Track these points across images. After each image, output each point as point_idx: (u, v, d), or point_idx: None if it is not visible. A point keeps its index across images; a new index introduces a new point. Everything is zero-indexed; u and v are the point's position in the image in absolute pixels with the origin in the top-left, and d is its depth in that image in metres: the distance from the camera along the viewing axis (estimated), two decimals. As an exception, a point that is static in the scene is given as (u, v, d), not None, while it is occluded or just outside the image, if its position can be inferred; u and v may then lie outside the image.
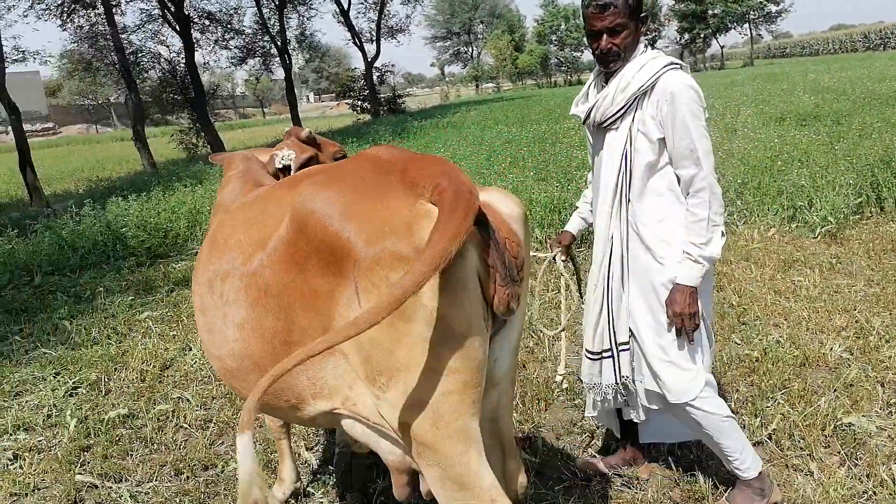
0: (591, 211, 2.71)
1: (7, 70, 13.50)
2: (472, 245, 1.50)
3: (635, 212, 2.41)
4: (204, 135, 19.56)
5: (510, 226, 1.67)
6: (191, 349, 4.66)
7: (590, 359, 2.61)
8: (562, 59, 67.10)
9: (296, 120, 24.40)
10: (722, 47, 60.63)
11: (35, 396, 4.14)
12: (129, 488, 3.06)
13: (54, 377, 4.40)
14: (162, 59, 20.58)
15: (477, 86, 68.98)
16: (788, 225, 6.25)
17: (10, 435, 3.68)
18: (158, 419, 3.73)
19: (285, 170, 2.72)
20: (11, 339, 5.18)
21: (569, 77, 65.08)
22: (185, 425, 3.63)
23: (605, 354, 2.54)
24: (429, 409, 1.52)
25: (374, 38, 31.51)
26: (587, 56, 70.83)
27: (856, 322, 4.11)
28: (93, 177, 18.34)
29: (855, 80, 16.97)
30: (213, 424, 3.63)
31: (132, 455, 3.38)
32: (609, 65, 2.36)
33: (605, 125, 2.43)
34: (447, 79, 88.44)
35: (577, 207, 2.88)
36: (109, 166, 21.97)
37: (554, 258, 2.79)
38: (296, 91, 26.79)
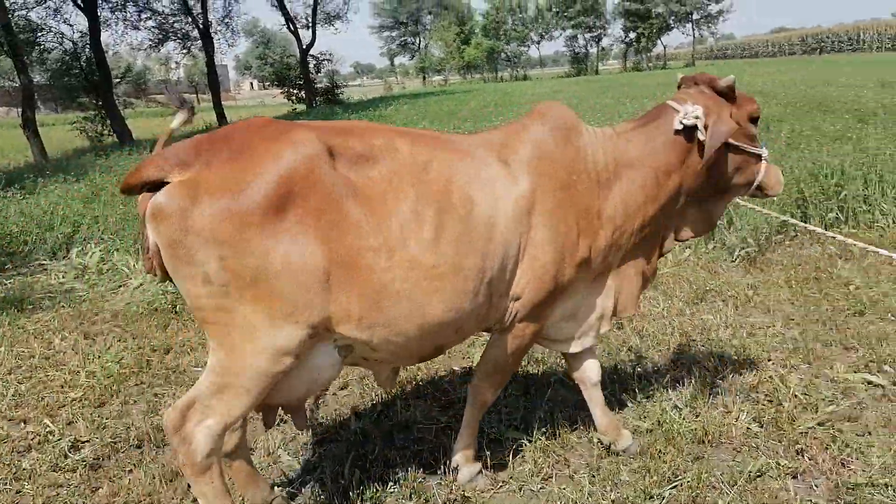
0: None
1: None
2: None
3: None
4: (110, 122, 17.98)
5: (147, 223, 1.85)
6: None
7: None
8: (508, 53, 66.58)
9: (218, 108, 22.95)
10: (665, 47, 61.39)
11: None
12: None
13: None
14: (65, 40, 18.82)
15: (424, 78, 67.90)
16: (705, 246, 5.59)
17: None
18: None
19: (687, 130, 2.08)
20: None
21: (514, 72, 64.60)
22: None
23: None
24: None
25: (310, 24, 30.23)
26: (533, 52, 70.82)
27: (769, 379, 3.42)
28: (-16, 166, 16.61)
29: (789, 83, 16.78)
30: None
31: None
32: None
33: None
34: (396, 69, 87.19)
35: None
36: (11, 155, 20.17)
37: None
38: (238, 78, 25.47)
